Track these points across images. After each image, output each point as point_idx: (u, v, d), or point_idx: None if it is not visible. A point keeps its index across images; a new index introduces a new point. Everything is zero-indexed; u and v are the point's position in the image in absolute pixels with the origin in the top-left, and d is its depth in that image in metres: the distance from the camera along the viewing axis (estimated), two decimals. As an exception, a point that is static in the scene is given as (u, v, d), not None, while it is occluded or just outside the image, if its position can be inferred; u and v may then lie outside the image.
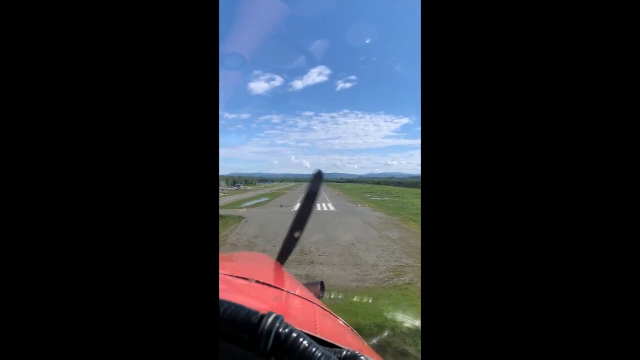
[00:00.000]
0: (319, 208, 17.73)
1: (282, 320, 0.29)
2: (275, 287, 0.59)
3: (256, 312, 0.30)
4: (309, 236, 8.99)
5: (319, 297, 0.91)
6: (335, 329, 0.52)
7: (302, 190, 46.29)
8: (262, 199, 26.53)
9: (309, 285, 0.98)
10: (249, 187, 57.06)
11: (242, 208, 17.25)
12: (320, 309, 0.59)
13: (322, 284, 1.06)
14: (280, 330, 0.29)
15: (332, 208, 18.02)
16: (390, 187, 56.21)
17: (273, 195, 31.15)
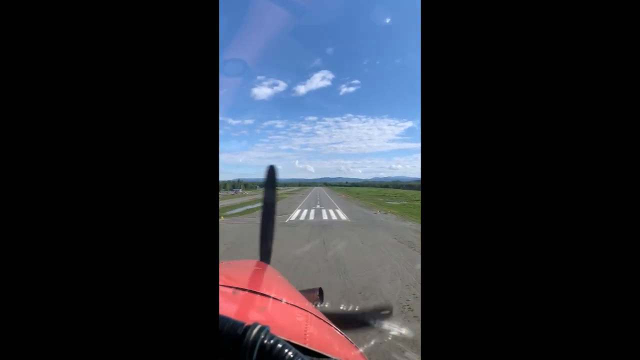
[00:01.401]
0: (324, 217, 13.04)
1: (268, 331, 0.30)
2: (265, 295, 0.58)
3: (241, 324, 0.30)
4: (308, 278, 4.33)
5: (316, 305, 0.87)
6: (325, 339, 0.51)
7: (303, 194, 42.89)
8: (255, 205, 22.12)
9: (307, 292, 0.95)
10: (247, 192, 53.21)
11: (220, 217, 12.68)
12: (314, 317, 0.57)
13: (320, 290, 0.99)
14: (265, 341, 0.29)
15: (343, 216, 13.28)
16: (402, 191, 51.44)
17: (270, 200, 26.62)
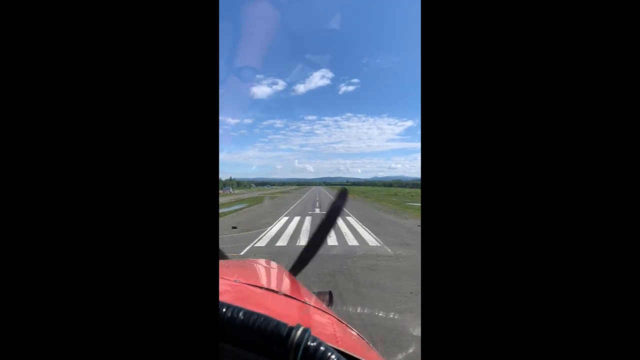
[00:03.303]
0: (333, 242, 6.48)
1: (310, 333, 0.30)
2: (295, 298, 0.62)
3: (285, 325, 0.31)
4: None
5: (328, 307, 0.93)
6: (357, 343, 0.54)
7: (299, 194, 34.46)
8: (233, 207, 15.94)
9: (317, 294, 0.99)
10: (236, 191, 47.52)
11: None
12: (336, 320, 0.60)
13: (330, 293, 1.06)
14: (309, 343, 0.29)
15: (370, 238, 6.78)
16: (413, 189, 45.21)
17: (255, 201, 20.36)
